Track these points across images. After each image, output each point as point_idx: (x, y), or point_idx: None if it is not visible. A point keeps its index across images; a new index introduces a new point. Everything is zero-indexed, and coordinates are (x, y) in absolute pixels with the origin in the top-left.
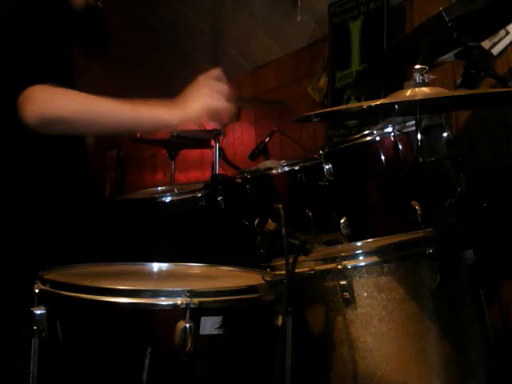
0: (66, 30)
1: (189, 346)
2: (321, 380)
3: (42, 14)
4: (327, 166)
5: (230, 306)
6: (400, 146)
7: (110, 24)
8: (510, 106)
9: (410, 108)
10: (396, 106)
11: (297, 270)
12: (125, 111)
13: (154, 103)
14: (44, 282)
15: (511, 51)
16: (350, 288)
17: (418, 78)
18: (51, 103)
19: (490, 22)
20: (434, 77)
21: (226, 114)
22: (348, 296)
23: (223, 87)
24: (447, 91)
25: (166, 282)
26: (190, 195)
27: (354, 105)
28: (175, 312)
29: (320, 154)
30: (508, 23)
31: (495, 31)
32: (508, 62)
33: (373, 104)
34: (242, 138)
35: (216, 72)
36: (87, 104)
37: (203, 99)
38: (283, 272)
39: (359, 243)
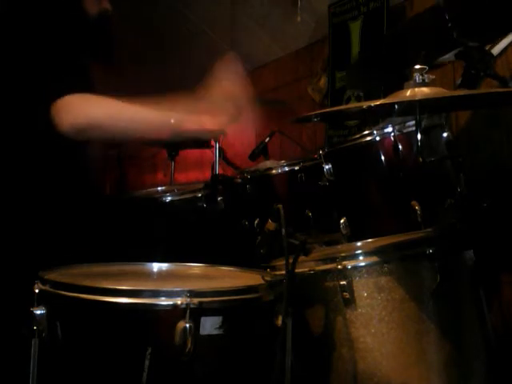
0: (84, 38)
1: (189, 346)
2: (321, 380)
3: (65, 24)
4: (327, 166)
5: (230, 306)
6: (400, 146)
7: (115, 25)
8: (510, 106)
9: (410, 108)
10: (396, 106)
11: (297, 270)
12: (155, 117)
13: (182, 110)
14: (44, 282)
15: (511, 51)
16: (350, 288)
17: (417, 77)
18: (84, 111)
19: (490, 24)
20: (433, 77)
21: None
22: (348, 296)
23: (240, 69)
24: (447, 91)
25: (166, 282)
26: (190, 195)
27: (354, 105)
28: (175, 312)
29: (320, 154)
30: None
31: (497, 37)
32: (508, 62)
33: (373, 104)
34: (242, 138)
35: (231, 56)
36: (119, 110)
37: (229, 108)
38: (283, 272)
39: (359, 243)
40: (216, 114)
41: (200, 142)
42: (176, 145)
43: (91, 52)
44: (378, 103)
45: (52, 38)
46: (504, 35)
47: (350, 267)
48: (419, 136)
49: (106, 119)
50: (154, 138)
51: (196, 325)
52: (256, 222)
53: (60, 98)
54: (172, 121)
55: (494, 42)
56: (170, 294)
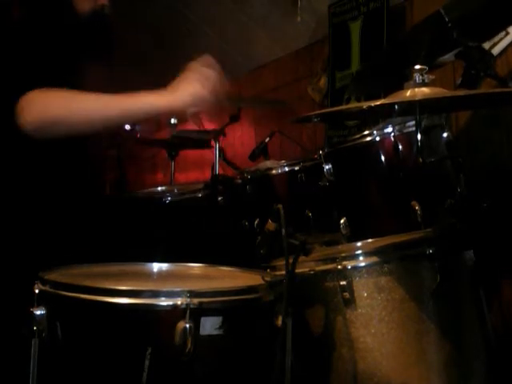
0: (70, 35)
1: (189, 346)
2: (321, 380)
3: (43, 21)
4: (327, 166)
5: (230, 307)
6: (400, 147)
7: (115, 25)
8: (510, 105)
9: (410, 108)
10: (396, 107)
11: (297, 271)
12: (114, 103)
13: (144, 92)
14: (44, 282)
15: (511, 51)
16: (350, 288)
17: (417, 78)
18: (43, 107)
19: (490, 23)
20: (433, 77)
21: (210, 103)
22: (348, 296)
23: (213, 74)
24: (447, 91)
25: (166, 282)
26: (190, 195)
27: (353, 105)
28: (175, 312)
29: (320, 154)
30: (508, 25)
31: (496, 33)
32: (508, 62)
33: (373, 104)
34: (241, 138)
35: (207, 59)
36: (77, 102)
37: (191, 86)
38: (283, 272)
39: (359, 243)
40: (166, 93)
41: (200, 142)
42: (176, 145)
43: (85, 50)
44: (377, 103)
45: (27, 36)
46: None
47: (349, 267)
48: (419, 136)
49: (63, 113)
50: (121, 123)
51: (196, 325)
52: (256, 222)
53: (23, 95)
54: (140, 104)
55: (494, 42)
56: (170, 295)
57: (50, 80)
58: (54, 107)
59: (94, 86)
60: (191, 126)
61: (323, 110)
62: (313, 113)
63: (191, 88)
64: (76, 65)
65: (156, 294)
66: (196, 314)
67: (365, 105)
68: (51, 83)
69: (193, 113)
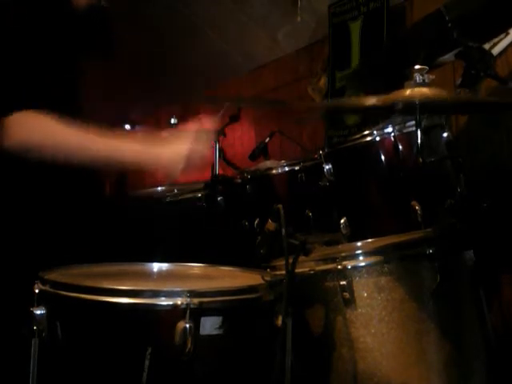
0: (67, 34)
1: (189, 346)
2: (321, 380)
3: (41, 18)
4: (327, 166)
5: (230, 306)
6: (400, 146)
7: (115, 25)
8: (509, 108)
9: (410, 108)
10: (396, 106)
11: (297, 270)
12: (100, 146)
13: (132, 139)
14: (44, 282)
15: (511, 51)
16: (350, 288)
17: (417, 78)
18: (32, 132)
19: (490, 24)
20: (433, 77)
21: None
22: (348, 296)
23: (202, 149)
24: (447, 92)
25: (166, 282)
26: (190, 195)
27: (354, 105)
28: (175, 312)
29: (320, 154)
30: (509, 27)
31: (497, 35)
32: (508, 62)
33: (372, 103)
34: (242, 138)
35: (209, 121)
36: (61, 139)
37: (180, 151)
38: (283, 272)
39: (359, 243)
40: (166, 149)
41: None
42: None
43: (83, 47)
44: (377, 104)
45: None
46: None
47: (349, 267)
48: (419, 136)
49: (45, 147)
50: (104, 165)
51: (196, 325)
52: (256, 222)
53: (12, 113)
54: (123, 154)
55: (494, 42)
56: (169, 294)
57: (48, 82)
58: (37, 137)
59: (93, 85)
60: (191, 125)
61: (322, 103)
62: (313, 108)
63: (179, 153)
64: (75, 63)
65: (156, 294)
66: (196, 313)
67: (366, 102)
68: (50, 86)
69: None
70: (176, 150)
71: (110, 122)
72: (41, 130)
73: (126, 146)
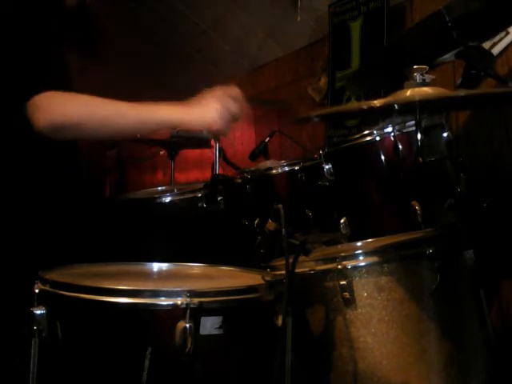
0: (62, 30)
1: (189, 346)
2: (321, 380)
3: (39, 18)
4: (327, 166)
5: (230, 306)
6: (400, 146)
7: (100, 21)
8: (510, 105)
9: (410, 108)
10: (396, 106)
11: (297, 270)
12: (133, 111)
13: (163, 104)
14: (44, 282)
15: (511, 51)
16: (350, 288)
17: (418, 77)
18: (60, 109)
19: (490, 23)
20: (433, 77)
21: (225, 131)
22: (348, 296)
23: (236, 108)
24: (447, 91)
25: (166, 282)
26: (190, 195)
27: (354, 105)
28: (175, 312)
29: (320, 154)
30: (509, 25)
31: (496, 33)
32: (508, 62)
33: (373, 104)
34: (241, 138)
35: (234, 90)
36: (95, 107)
37: (215, 111)
38: (283, 272)
39: (359, 243)
40: (197, 109)
41: (200, 141)
42: (176, 145)
43: (70, 42)
44: (377, 103)
45: (28, 32)
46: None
47: (349, 267)
48: (419, 136)
49: (83, 117)
50: (134, 134)
51: (196, 325)
52: (256, 221)
53: (35, 95)
54: (158, 115)
55: (494, 42)
56: (169, 294)
57: (52, 79)
58: (72, 109)
59: (88, 82)
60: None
61: (323, 110)
62: (313, 112)
63: (210, 112)
64: (67, 61)
65: (156, 294)
66: (196, 313)
67: (365, 105)
68: (54, 83)
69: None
70: (205, 113)
71: None
72: (72, 103)
73: (159, 107)
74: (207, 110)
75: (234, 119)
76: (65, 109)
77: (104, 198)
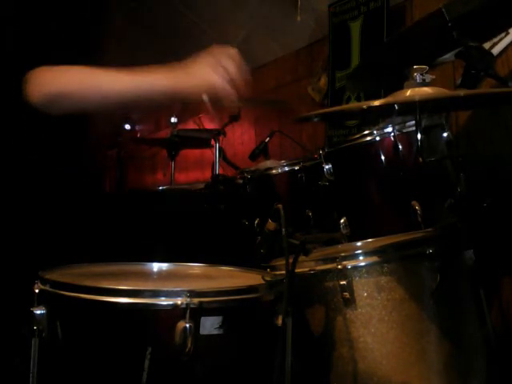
0: (62, 30)
1: (189, 345)
2: (321, 380)
3: (39, 18)
4: (327, 166)
5: (230, 306)
6: (400, 146)
7: (100, 21)
8: (509, 105)
9: (410, 108)
10: (396, 106)
11: (297, 270)
12: (126, 79)
13: (157, 69)
14: (44, 281)
15: (511, 51)
16: (349, 288)
17: (418, 77)
18: (53, 80)
19: (490, 23)
20: (433, 77)
21: (225, 97)
22: (348, 296)
23: (233, 67)
24: (447, 91)
25: (166, 282)
26: (190, 195)
27: (354, 105)
28: (175, 312)
29: (320, 154)
30: (509, 26)
31: (497, 34)
32: (508, 62)
33: (373, 104)
34: (242, 138)
35: (231, 50)
36: (88, 76)
37: (208, 71)
38: (283, 272)
39: (359, 243)
40: (179, 73)
41: (200, 141)
42: (176, 144)
43: (70, 42)
44: (377, 103)
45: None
46: (504, 30)
47: (349, 267)
48: (419, 136)
49: (76, 86)
50: (128, 104)
51: (196, 325)
52: (256, 222)
53: (28, 72)
54: (152, 80)
55: (494, 42)
56: (169, 294)
57: (47, 56)
58: (64, 79)
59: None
60: (191, 125)
61: (323, 110)
62: (313, 113)
63: (208, 72)
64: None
65: (156, 294)
66: (196, 313)
67: (365, 105)
68: (49, 59)
69: (206, 100)
70: (202, 75)
71: (111, 120)
72: (64, 74)
73: (154, 72)
74: (204, 69)
75: (232, 81)
76: (57, 80)
77: (104, 198)
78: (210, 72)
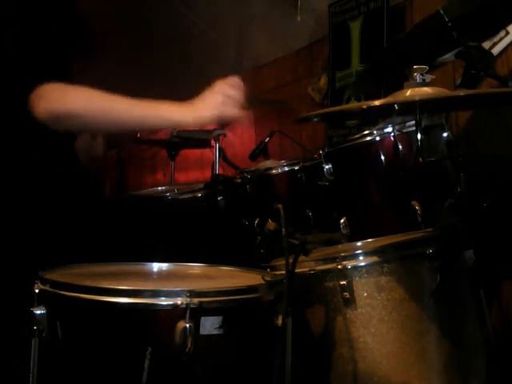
0: (62, 30)
1: (189, 345)
2: (321, 380)
3: (43, 11)
4: (327, 166)
5: (230, 306)
6: (400, 146)
7: (100, 21)
8: (510, 105)
9: (410, 108)
10: (396, 106)
11: (297, 270)
12: (135, 109)
13: (165, 103)
14: (44, 281)
15: (511, 51)
16: (349, 288)
17: (418, 77)
18: (61, 99)
19: (489, 22)
20: (433, 77)
21: (235, 122)
22: (348, 296)
23: (238, 95)
24: (447, 91)
25: (166, 282)
26: (190, 195)
27: (354, 105)
28: (175, 312)
29: (320, 154)
30: (508, 24)
31: (496, 32)
32: (508, 61)
33: (373, 104)
34: (242, 138)
35: (234, 79)
36: (97, 100)
37: (216, 104)
38: (283, 272)
39: (359, 243)
40: (189, 109)
41: (200, 141)
42: (176, 145)
43: (69, 42)
44: (377, 103)
45: (32, 27)
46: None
47: (349, 267)
48: (419, 136)
49: (84, 108)
50: (133, 130)
51: (196, 325)
52: (256, 222)
53: (38, 87)
54: (159, 113)
55: (494, 42)
56: (169, 294)
57: (55, 72)
58: (73, 100)
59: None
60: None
61: (323, 110)
62: (313, 113)
63: (214, 106)
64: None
65: (156, 294)
66: (196, 313)
67: (365, 105)
68: (58, 75)
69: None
70: (209, 111)
71: None
72: (74, 94)
73: (161, 105)
74: (207, 107)
75: (238, 106)
76: (66, 99)
77: (104, 197)
78: (213, 111)
